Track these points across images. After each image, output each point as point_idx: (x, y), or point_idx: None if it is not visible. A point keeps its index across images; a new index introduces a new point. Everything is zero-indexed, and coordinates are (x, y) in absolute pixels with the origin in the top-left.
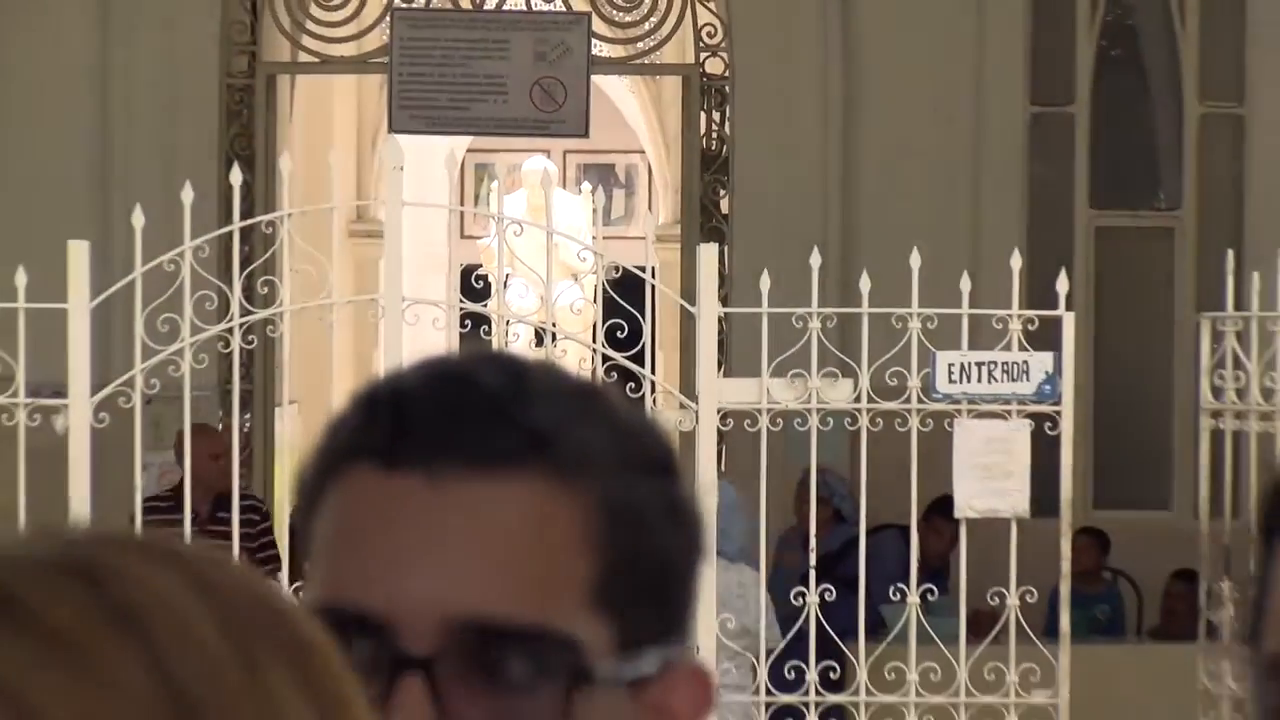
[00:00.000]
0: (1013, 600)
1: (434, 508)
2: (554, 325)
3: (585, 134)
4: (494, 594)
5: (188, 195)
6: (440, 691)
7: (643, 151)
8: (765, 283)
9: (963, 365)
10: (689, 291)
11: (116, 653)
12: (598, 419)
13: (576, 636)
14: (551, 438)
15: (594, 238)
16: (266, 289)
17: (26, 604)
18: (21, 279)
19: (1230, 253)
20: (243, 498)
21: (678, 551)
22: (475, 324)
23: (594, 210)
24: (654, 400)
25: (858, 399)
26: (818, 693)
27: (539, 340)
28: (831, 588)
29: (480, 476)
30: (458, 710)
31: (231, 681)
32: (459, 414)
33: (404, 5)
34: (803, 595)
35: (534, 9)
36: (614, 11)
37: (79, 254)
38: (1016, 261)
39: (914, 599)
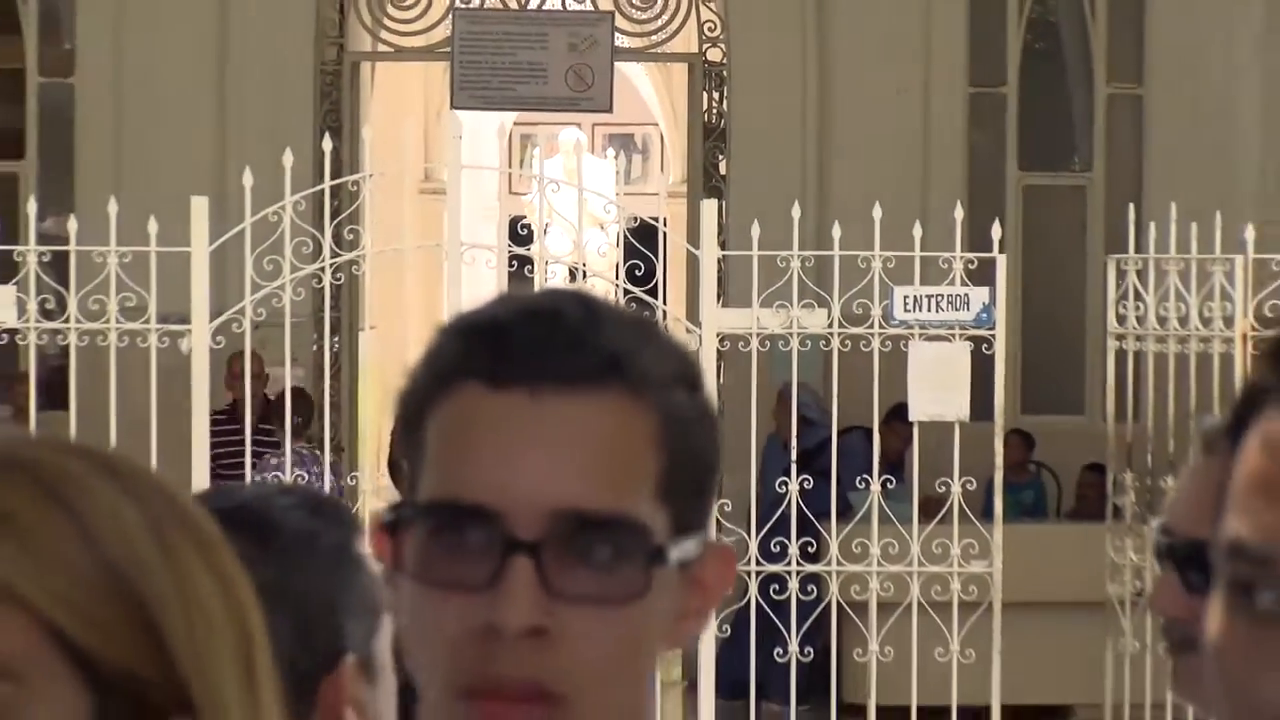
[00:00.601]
0: (955, 488)
1: (535, 419)
2: (584, 265)
3: (609, 109)
4: (588, 489)
5: (288, 160)
6: (544, 570)
7: (656, 124)
8: (755, 231)
9: (915, 297)
10: (694, 238)
11: (55, 530)
12: (655, 344)
13: (650, 524)
14: (625, 360)
15: (616, 194)
16: (352, 235)
17: None
18: (154, 227)
19: (1131, 206)
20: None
21: (711, 452)
22: (520, 264)
23: (616, 172)
24: (665, 327)
25: (830, 325)
26: (798, 564)
27: (572, 277)
28: (809, 478)
29: (572, 392)
30: (558, 586)
31: (151, 557)
32: (552, 341)
33: (463, 5)
34: (785, 484)
35: (568, 8)
36: (632, 10)
37: (200, 208)
38: (959, 213)
39: (876, 487)
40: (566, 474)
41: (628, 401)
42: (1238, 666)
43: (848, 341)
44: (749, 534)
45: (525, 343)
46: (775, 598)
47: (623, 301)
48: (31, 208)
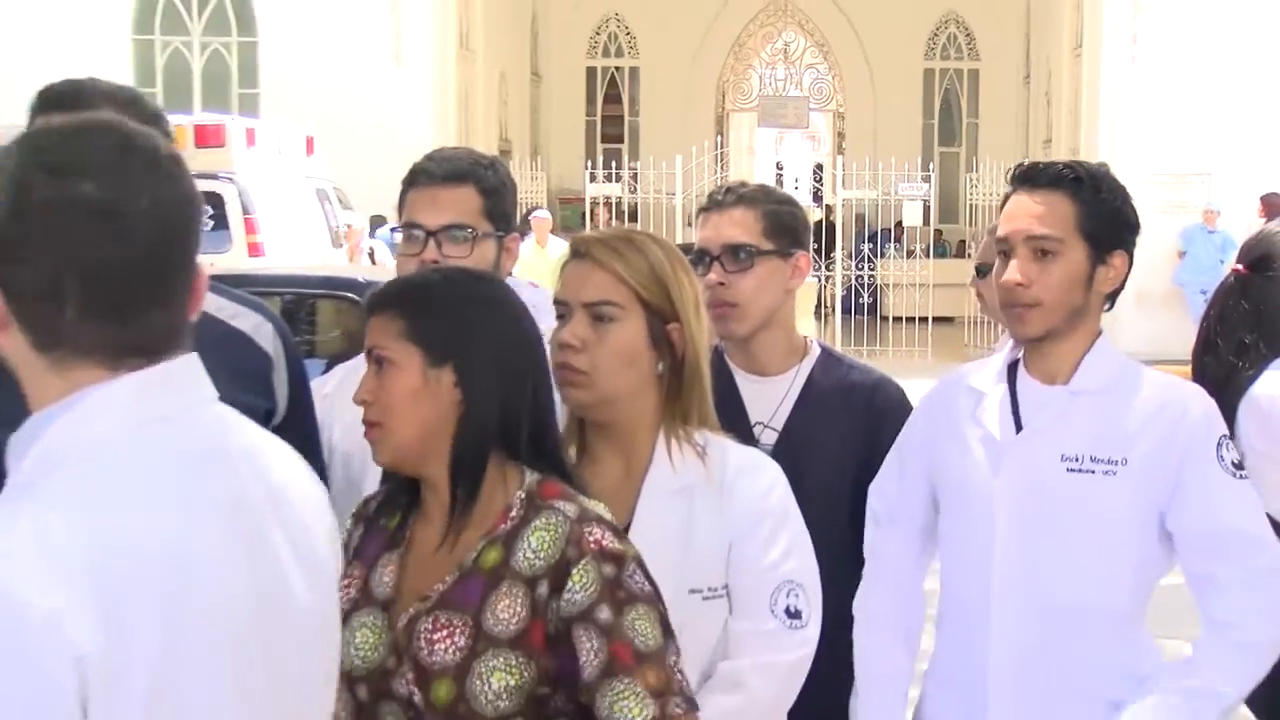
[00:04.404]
0: (919, 249)
1: (720, 218)
2: (797, 180)
3: (807, 127)
4: (737, 236)
5: (705, 144)
6: (723, 264)
7: (816, 136)
8: (854, 168)
9: (906, 187)
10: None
11: (635, 255)
12: (778, 198)
13: (758, 244)
14: (742, 190)
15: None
16: (724, 170)
17: (608, 243)
18: (665, 160)
19: (974, 159)
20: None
21: (796, 220)
22: (777, 178)
23: (812, 149)
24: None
25: (878, 195)
26: (869, 271)
27: (796, 185)
28: (873, 246)
29: (729, 208)
30: (727, 268)
31: (666, 264)
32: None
33: (761, 95)
34: (864, 247)
35: (791, 94)
36: (815, 95)
37: (678, 160)
38: (919, 161)
39: (892, 248)
40: (728, 232)
41: (751, 208)
42: (989, 294)
43: (885, 201)
44: (852, 257)
45: (719, 192)
46: (860, 283)
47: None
48: (625, 156)
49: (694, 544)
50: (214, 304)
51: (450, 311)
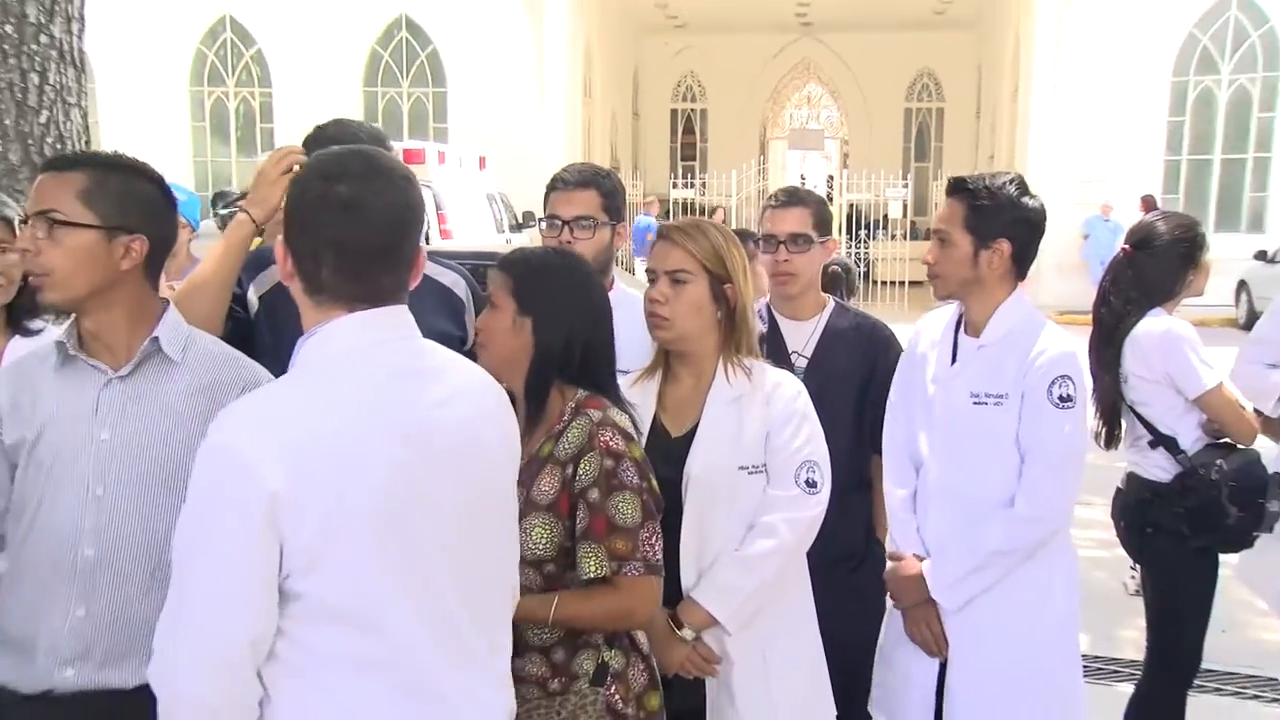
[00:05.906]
0: (905, 232)
1: (783, 213)
2: (814, 185)
3: (823, 149)
4: (800, 228)
5: (753, 164)
6: (785, 245)
7: (830, 157)
8: (856, 178)
9: (892, 192)
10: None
11: (701, 239)
12: (808, 195)
13: (813, 235)
14: (804, 196)
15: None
16: (765, 178)
17: (683, 229)
18: (735, 168)
19: (941, 176)
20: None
21: (828, 214)
22: (802, 182)
23: (825, 162)
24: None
25: (870, 197)
26: (865, 248)
27: (814, 188)
28: (869, 231)
29: (792, 206)
30: (791, 251)
31: (723, 244)
32: (795, 195)
33: (791, 127)
34: (861, 234)
35: (812, 127)
36: (826, 128)
37: (736, 172)
38: (900, 175)
39: (884, 234)
40: (791, 225)
41: (806, 208)
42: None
43: (876, 201)
44: (852, 239)
45: (783, 195)
46: (858, 257)
47: (818, 195)
48: (697, 170)
49: (743, 435)
50: (430, 268)
51: (541, 282)
